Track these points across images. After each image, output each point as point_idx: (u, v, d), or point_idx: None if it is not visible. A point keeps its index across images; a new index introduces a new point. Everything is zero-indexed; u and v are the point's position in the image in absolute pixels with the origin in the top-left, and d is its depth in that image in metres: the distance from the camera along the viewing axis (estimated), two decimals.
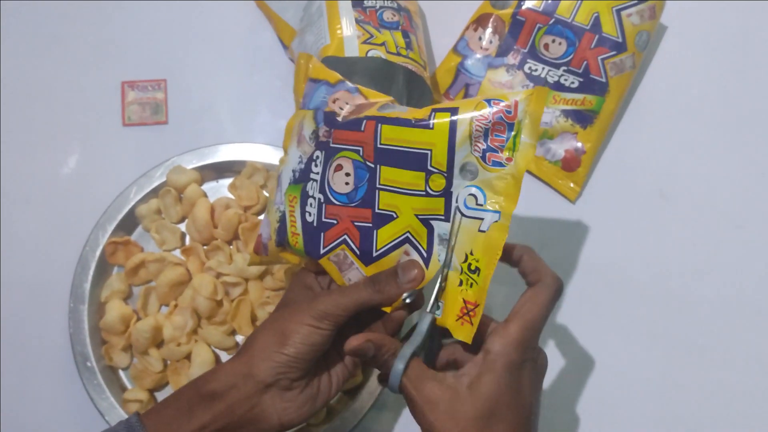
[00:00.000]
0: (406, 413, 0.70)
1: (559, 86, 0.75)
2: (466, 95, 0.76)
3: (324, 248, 0.54)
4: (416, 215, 0.51)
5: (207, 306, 0.68)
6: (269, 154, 0.73)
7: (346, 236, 0.53)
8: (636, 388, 0.71)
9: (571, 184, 0.76)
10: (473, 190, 0.50)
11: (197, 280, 0.68)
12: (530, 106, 0.48)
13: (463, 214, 0.50)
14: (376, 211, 0.52)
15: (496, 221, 0.49)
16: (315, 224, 0.54)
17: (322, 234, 0.54)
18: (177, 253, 0.72)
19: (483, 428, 0.46)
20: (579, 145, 0.75)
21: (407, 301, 0.52)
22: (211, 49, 0.80)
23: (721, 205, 0.77)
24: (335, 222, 0.53)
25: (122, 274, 0.71)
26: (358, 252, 0.53)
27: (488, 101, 0.48)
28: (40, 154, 0.76)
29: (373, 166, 0.51)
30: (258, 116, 0.79)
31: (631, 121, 0.80)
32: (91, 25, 0.81)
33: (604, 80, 0.74)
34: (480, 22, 0.77)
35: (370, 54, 0.67)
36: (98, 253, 0.70)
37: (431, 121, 0.49)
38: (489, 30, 0.77)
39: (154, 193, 0.73)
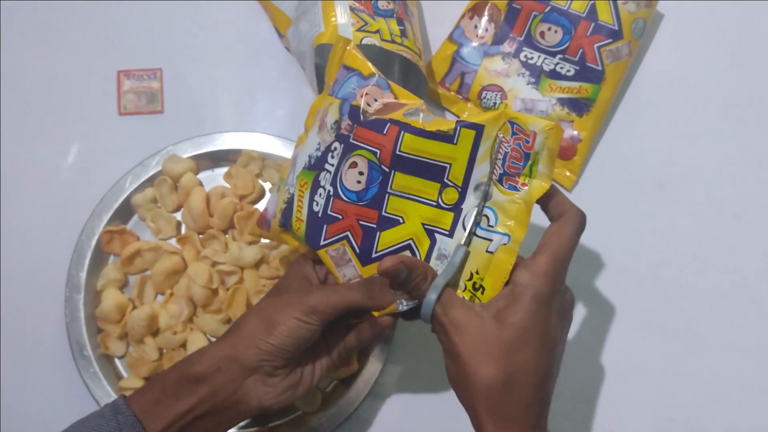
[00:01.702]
0: (402, 401, 0.70)
1: (554, 74, 0.75)
2: (461, 83, 0.76)
3: (324, 240, 0.54)
4: (423, 224, 0.52)
5: (202, 294, 0.68)
6: (265, 143, 0.73)
7: (348, 233, 0.53)
8: (633, 378, 0.71)
9: (567, 173, 0.76)
10: (486, 211, 0.50)
11: (193, 268, 0.68)
12: (548, 141, 0.48)
13: (474, 234, 0.50)
14: (383, 213, 0.52)
15: (505, 244, 0.49)
16: (320, 215, 0.54)
17: (325, 226, 0.54)
18: (173, 241, 0.72)
19: (506, 355, 0.47)
20: (575, 133, 0.75)
21: (400, 309, 0.52)
22: (206, 38, 0.80)
23: (718, 194, 0.77)
24: (340, 217, 0.53)
25: (118, 263, 0.71)
26: (357, 250, 0.53)
27: (512, 124, 0.48)
28: (36, 143, 0.76)
29: (388, 170, 0.51)
30: (254, 105, 0.79)
31: (628, 110, 0.79)
32: (87, 14, 0.80)
33: (600, 68, 0.74)
34: (476, 10, 0.77)
35: (364, 42, 0.67)
36: (94, 242, 0.70)
37: (455, 136, 0.49)
38: (485, 18, 0.76)
39: (150, 182, 0.73)
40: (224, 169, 0.74)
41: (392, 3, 0.71)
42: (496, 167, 0.49)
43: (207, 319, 0.68)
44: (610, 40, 0.74)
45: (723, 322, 0.73)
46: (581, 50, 0.74)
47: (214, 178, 0.75)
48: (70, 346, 0.68)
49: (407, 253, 0.52)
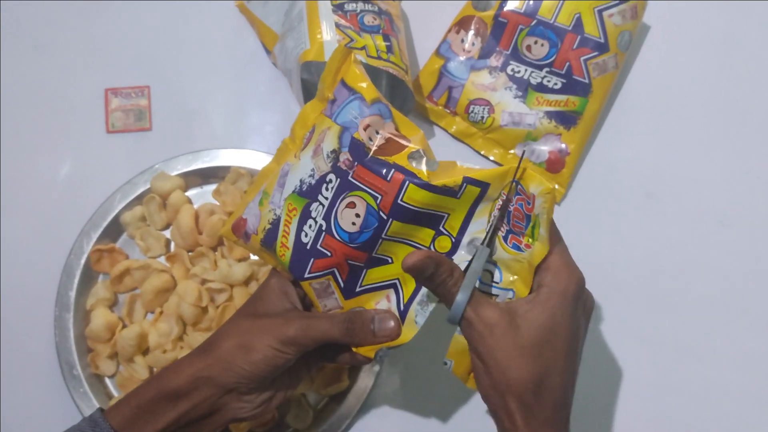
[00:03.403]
0: (394, 416, 0.70)
1: (541, 87, 0.75)
2: (449, 97, 0.76)
3: (309, 273, 0.53)
4: None
5: (192, 312, 0.68)
6: (254, 160, 0.73)
7: (335, 270, 0.53)
8: (623, 388, 0.71)
9: (556, 186, 0.76)
10: (491, 268, 0.49)
11: (182, 286, 0.68)
12: (546, 205, 0.48)
13: (477, 289, 0.49)
14: (373, 255, 0.51)
15: (510, 299, 0.49)
16: (308, 247, 0.53)
17: (312, 260, 0.53)
18: (162, 260, 0.72)
19: (538, 354, 0.46)
20: (563, 146, 0.75)
21: (378, 356, 0.53)
22: (194, 55, 0.80)
23: (706, 203, 0.77)
24: (329, 254, 0.52)
25: (107, 282, 0.71)
26: (342, 285, 0.53)
27: (516, 183, 0.48)
28: (23, 162, 0.76)
29: (386, 218, 0.49)
30: (242, 122, 0.79)
31: (615, 122, 0.80)
32: (74, 32, 0.81)
33: (586, 81, 0.74)
34: (462, 24, 0.77)
35: None
36: (83, 260, 0.70)
37: (460, 192, 0.48)
38: (471, 32, 0.77)
39: (139, 200, 0.73)
40: (213, 186, 0.74)
41: (378, 19, 0.72)
42: (503, 225, 0.49)
43: (197, 337, 0.68)
44: (596, 53, 0.74)
45: (712, 330, 0.73)
46: (568, 63, 0.74)
47: (203, 196, 0.75)
48: (59, 366, 0.67)
49: (391, 291, 0.52)
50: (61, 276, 0.70)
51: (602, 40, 0.74)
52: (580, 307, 0.49)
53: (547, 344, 0.47)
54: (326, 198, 0.52)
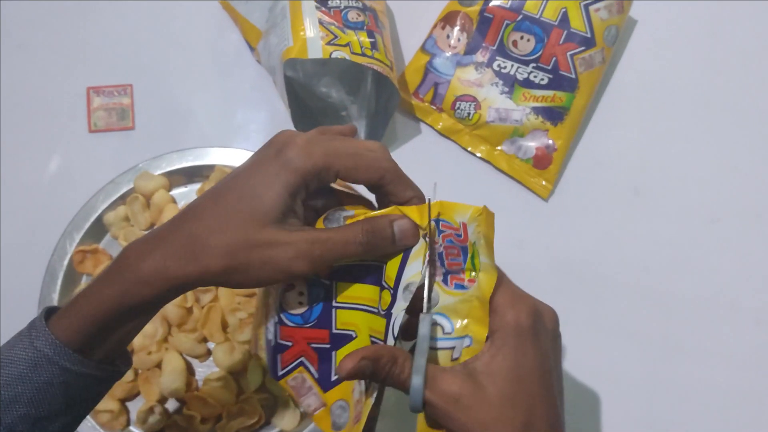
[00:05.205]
0: (381, 415, 0.69)
1: (528, 83, 0.74)
2: (435, 94, 0.76)
3: (281, 370, 0.51)
4: (370, 336, 0.48)
5: (177, 313, 0.67)
6: (239, 159, 0.73)
7: (303, 358, 0.50)
8: (613, 385, 0.71)
9: (543, 182, 0.75)
10: (439, 319, 0.45)
11: None
12: (481, 228, 0.45)
13: (432, 348, 0.45)
14: (334, 331, 0.49)
15: (468, 346, 0.45)
16: (273, 344, 0.51)
17: (278, 356, 0.51)
18: None
19: (510, 407, 0.42)
20: (550, 142, 0.75)
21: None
22: (176, 52, 0.79)
23: (695, 199, 0.77)
24: (290, 344, 0.50)
25: None
26: (316, 376, 0.50)
27: (436, 222, 0.45)
28: (4, 162, 0.75)
29: (328, 282, 0.48)
30: (227, 120, 0.78)
31: (603, 117, 0.79)
32: (55, 30, 0.80)
33: (573, 76, 0.74)
34: (448, 20, 0.77)
35: (334, 55, 0.66)
36: (66, 262, 0.69)
37: None
38: (457, 28, 0.76)
39: (122, 199, 0.72)
40: (198, 186, 0.74)
41: (362, 15, 0.71)
42: (438, 268, 0.45)
43: (182, 338, 0.67)
44: (582, 48, 0.74)
45: (701, 327, 0.73)
46: (554, 58, 0.74)
47: (188, 195, 0.74)
48: None
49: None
50: (44, 277, 0.69)
51: (589, 35, 0.74)
52: (541, 334, 0.45)
53: (519, 393, 0.43)
54: (275, 298, 0.51)
